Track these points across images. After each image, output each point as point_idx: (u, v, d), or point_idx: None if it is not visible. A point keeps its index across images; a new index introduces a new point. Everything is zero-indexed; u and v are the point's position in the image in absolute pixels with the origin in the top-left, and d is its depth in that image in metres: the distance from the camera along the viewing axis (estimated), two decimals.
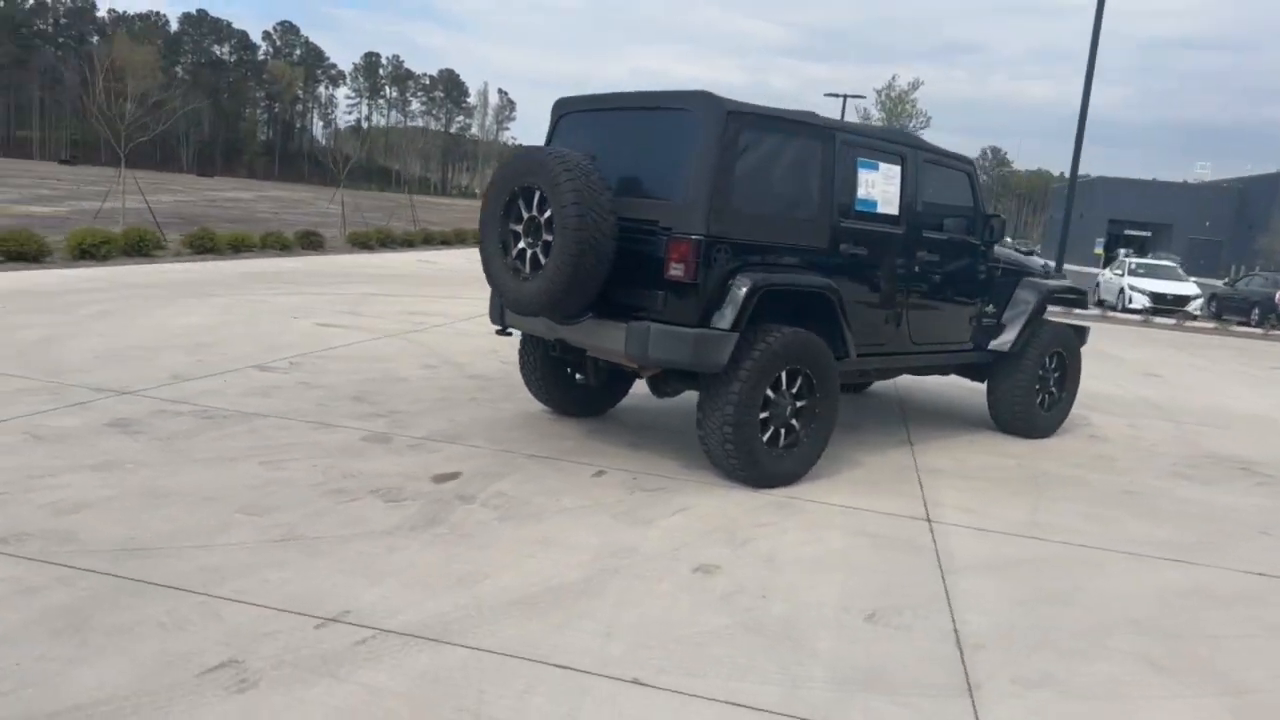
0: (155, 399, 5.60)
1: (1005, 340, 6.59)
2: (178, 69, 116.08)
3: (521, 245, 4.91)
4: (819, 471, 5.33)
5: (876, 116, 19.90)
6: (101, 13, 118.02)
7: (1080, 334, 7.29)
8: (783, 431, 5.02)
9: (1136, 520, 5.05)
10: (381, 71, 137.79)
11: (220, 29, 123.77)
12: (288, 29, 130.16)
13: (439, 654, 2.91)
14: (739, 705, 2.77)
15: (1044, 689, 3.06)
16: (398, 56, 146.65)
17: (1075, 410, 7.93)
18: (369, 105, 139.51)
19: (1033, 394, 6.73)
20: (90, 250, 12.27)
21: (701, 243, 4.60)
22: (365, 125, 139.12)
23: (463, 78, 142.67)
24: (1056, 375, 6.98)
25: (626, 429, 6.04)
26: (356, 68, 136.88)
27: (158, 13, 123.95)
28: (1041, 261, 7.98)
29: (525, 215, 4.86)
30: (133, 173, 18.44)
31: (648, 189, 4.94)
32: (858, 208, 5.37)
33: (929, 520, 4.72)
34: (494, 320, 5.66)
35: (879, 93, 19.73)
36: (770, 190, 4.94)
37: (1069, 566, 4.25)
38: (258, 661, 2.76)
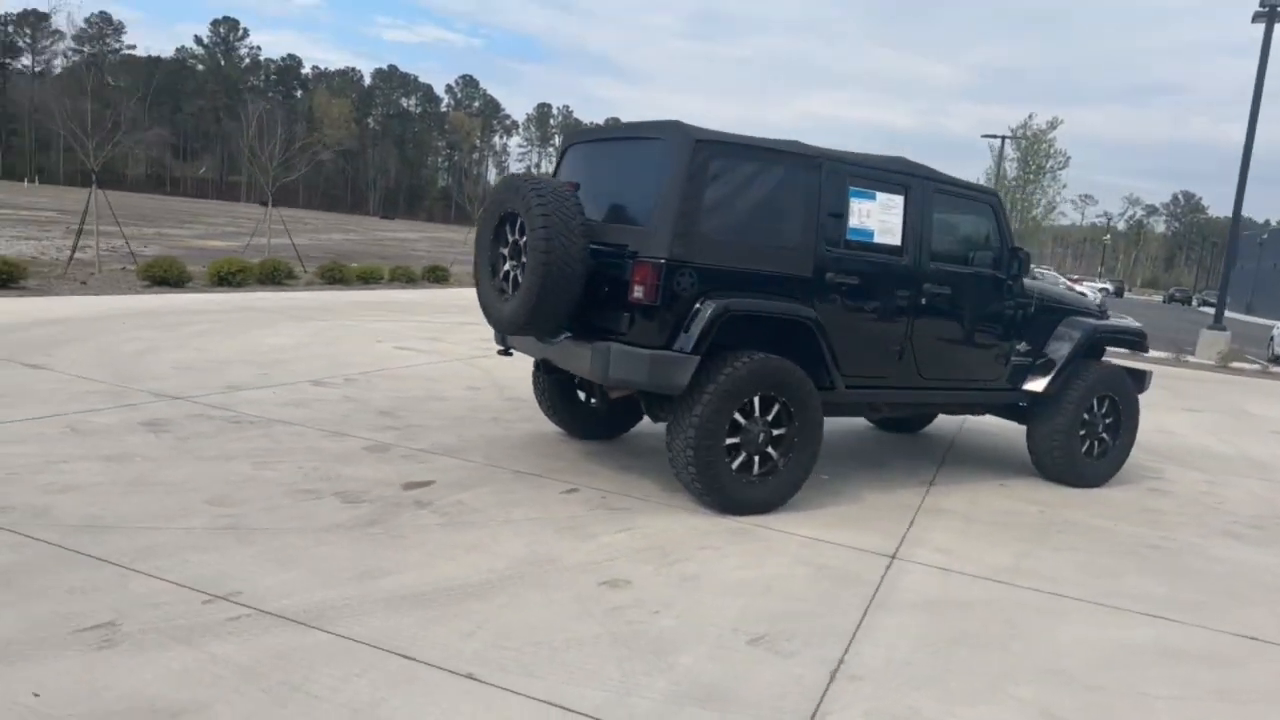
0: (199, 404, 6.15)
1: (1040, 381, 6.26)
2: (369, 120, 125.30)
3: (506, 267, 5.13)
4: (804, 503, 5.24)
5: (1012, 156, 19.16)
6: (306, 69, 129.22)
7: (1139, 379, 6.81)
8: (756, 459, 4.98)
9: (1139, 575, 4.69)
10: (552, 121, 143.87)
11: (408, 83, 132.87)
12: (468, 82, 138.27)
13: (299, 636, 3.10)
14: (555, 706, 2.82)
15: None
16: (567, 106, 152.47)
17: (1151, 462, 7.44)
18: (539, 153, 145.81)
19: (1074, 439, 6.34)
20: (227, 278, 13.50)
21: (663, 266, 4.68)
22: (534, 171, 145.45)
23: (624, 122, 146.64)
24: (1109, 421, 6.54)
25: (628, 453, 6.12)
26: (529, 118, 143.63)
27: (354, 68, 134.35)
28: (1098, 300, 7.46)
29: (510, 239, 5.09)
30: (321, 214, 20.14)
31: (624, 215, 5.07)
32: (851, 237, 5.30)
33: (894, 557, 4.56)
34: (497, 341, 5.89)
35: (1013, 131, 18.94)
36: (746, 217, 4.96)
37: (1022, 613, 4.01)
38: (130, 626, 3.04)
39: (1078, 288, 41.96)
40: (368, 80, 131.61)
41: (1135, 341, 6.87)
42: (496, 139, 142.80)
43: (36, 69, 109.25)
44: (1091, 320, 6.48)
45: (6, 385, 6.12)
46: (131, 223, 33.01)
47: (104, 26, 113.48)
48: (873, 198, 5.38)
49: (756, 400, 4.92)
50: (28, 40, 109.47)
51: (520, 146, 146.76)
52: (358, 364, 8.31)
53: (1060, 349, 6.29)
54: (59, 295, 11.17)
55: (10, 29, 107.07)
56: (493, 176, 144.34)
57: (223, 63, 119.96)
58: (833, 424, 7.62)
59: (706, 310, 4.72)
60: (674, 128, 4.88)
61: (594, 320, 5.05)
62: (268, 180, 17.66)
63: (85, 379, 6.53)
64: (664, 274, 4.68)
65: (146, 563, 3.54)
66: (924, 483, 6.16)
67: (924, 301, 5.60)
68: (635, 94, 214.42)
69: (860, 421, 7.94)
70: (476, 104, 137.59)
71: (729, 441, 4.87)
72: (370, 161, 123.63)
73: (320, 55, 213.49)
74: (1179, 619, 4.10)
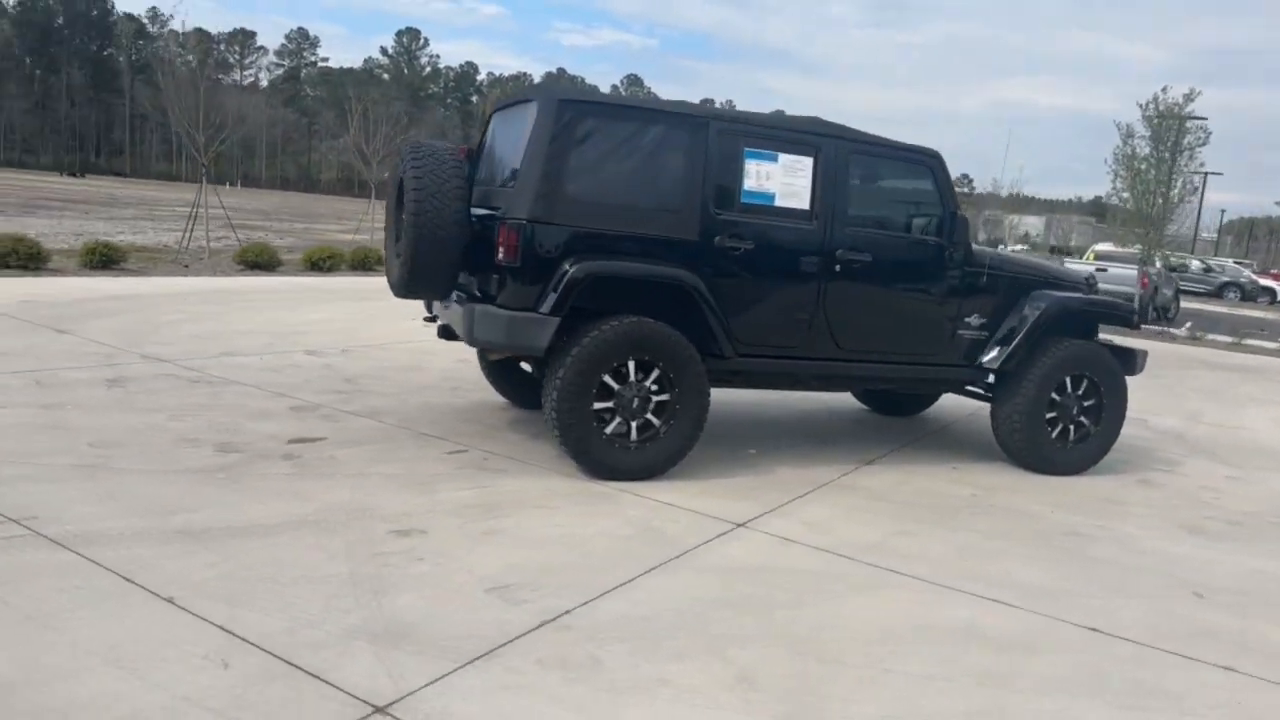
0: (177, 366, 6.65)
1: (994, 356, 5.81)
2: None
3: (398, 232, 5.29)
4: (700, 472, 5.13)
5: (1141, 134, 17.52)
6: (481, 76, 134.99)
7: (1127, 359, 6.19)
8: (634, 424, 4.91)
9: (1022, 562, 4.30)
10: None
11: (577, 85, 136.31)
12: (633, 81, 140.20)
13: (49, 554, 3.35)
14: (222, 629, 2.92)
15: (499, 670, 2.87)
16: (730, 101, 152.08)
17: (1180, 454, 6.85)
18: None
19: (1037, 421, 5.84)
20: (318, 263, 14.40)
21: (524, 227, 4.68)
22: None
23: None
24: (1088, 404, 5.99)
25: None
26: None
27: (525, 73, 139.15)
28: (1088, 272, 6.82)
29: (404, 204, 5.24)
30: None
31: (505, 179, 5.11)
32: (746, 200, 5.11)
33: (741, 526, 4.39)
34: (426, 309, 6.05)
35: (1142, 107, 17.30)
36: (622, 179, 4.87)
37: (829, 585, 3.79)
38: None
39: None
40: (538, 82, 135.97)
41: (1120, 317, 6.26)
42: None
43: (244, 82, 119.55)
44: (1059, 293, 5.95)
45: (20, 345, 6.83)
46: (291, 219, 35.72)
47: (301, 42, 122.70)
48: (774, 159, 5.17)
49: (632, 365, 4.85)
50: (237, 56, 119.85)
51: None
52: (369, 338, 8.71)
53: (1018, 323, 5.81)
54: (152, 276, 12.27)
55: (222, 46, 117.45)
56: None
57: (405, 71, 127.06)
58: (812, 403, 7.39)
59: (567, 272, 4.69)
60: (543, 90, 4.89)
61: (479, 283, 5.14)
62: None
63: (96, 343, 7.19)
64: (524, 235, 4.69)
65: None
66: (861, 461, 5.85)
67: (838, 268, 5.32)
68: (812, 86, 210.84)
69: (844, 403, 7.63)
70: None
71: (600, 406, 4.82)
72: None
73: (500, 62, 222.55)
74: (1021, 605, 3.75)
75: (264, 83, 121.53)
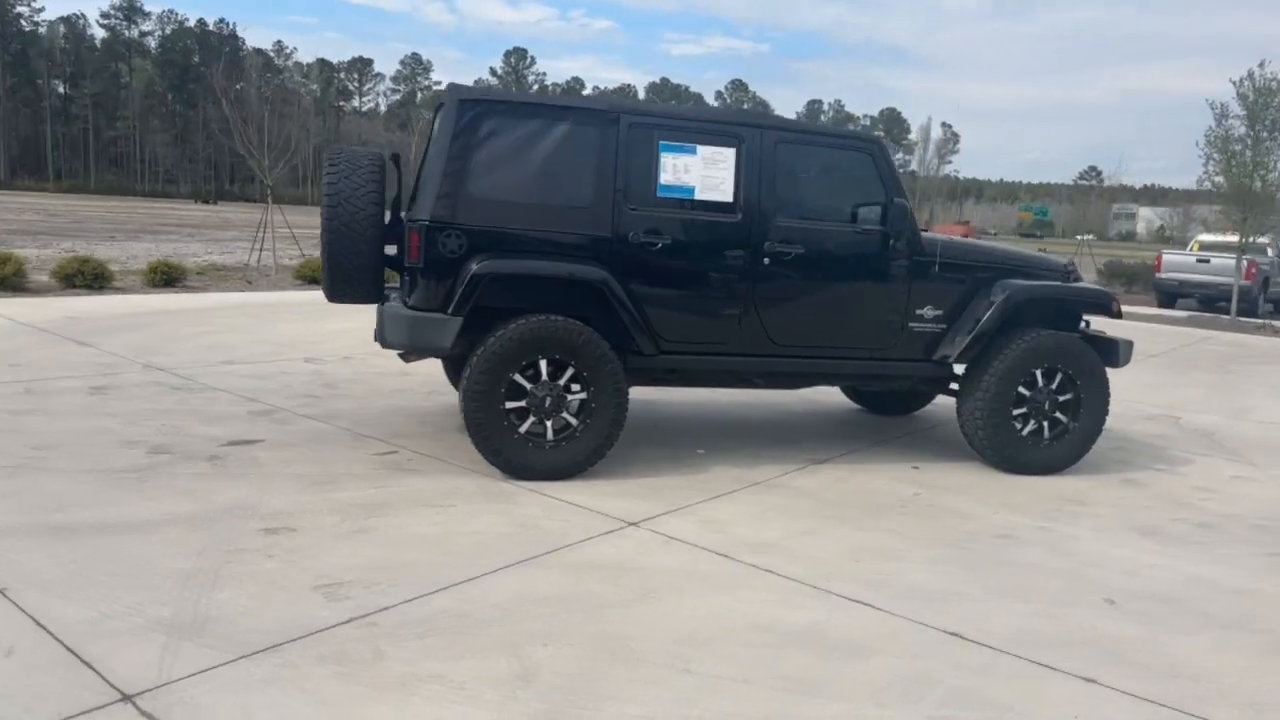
0: (171, 374, 6.96)
1: (949, 349, 5.51)
2: None
3: None
4: (628, 471, 5.10)
5: (1237, 113, 16.23)
6: (587, 90, 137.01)
7: (1106, 350, 5.76)
8: (549, 423, 4.87)
9: (924, 564, 4.06)
10: (823, 116, 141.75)
11: (679, 93, 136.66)
12: (738, 86, 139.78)
13: None
14: (30, 617, 3.03)
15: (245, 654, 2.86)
16: (839, 101, 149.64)
17: (1199, 451, 6.38)
18: None
19: (1002, 417, 5.49)
20: None
21: (425, 229, 4.71)
22: None
23: (904, 114, 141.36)
24: (1064, 399, 5.60)
25: None
26: (799, 115, 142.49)
27: (629, 85, 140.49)
28: (1065, 260, 6.32)
29: None
30: None
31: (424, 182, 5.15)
32: (661, 194, 5.00)
33: (633, 524, 4.29)
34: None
35: (1235, 84, 15.97)
36: (529, 177, 4.84)
37: (684, 584, 3.65)
38: None
39: None
40: (641, 94, 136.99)
41: (1097, 306, 5.83)
42: None
43: (364, 108, 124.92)
44: (1021, 281, 5.59)
45: (34, 357, 7.30)
46: None
47: (415, 67, 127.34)
48: (693, 152, 5.04)
49: (544, 364, 4.81)
50: (356, 83, 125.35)
51: None
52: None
53: (974, 313, 5.50)
54: (212, 292, 12.92)
55: (342, 75, 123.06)
56: None
57: (514, 90, 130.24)
58: (793, 401, 7.17)
59: (468, 271, 4.70)
60: (451, 90, 4.90)
61: (406, 287, 5.20)
62: None
63: (109, 354, 7.61)
64: (426, 236, 4.72)
65: None
66: (813, 460, 5.64)
67: (767, 261, 5.14)
68: (929, 82, 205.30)
69: (831, 401, 7.37)
70: (745, 107, 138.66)
71: (512, 405, 4.80)
72: None
73: (610, 76, 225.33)
74: (887, 609, 3.54)
75: (382, 108, 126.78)
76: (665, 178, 5.00)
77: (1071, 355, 5.56)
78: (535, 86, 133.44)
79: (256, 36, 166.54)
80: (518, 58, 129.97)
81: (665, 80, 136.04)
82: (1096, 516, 4.88)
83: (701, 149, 5.05)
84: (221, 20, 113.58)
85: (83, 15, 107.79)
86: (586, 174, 4.90)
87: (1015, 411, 5.55)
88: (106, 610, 3.13)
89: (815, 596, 3.63)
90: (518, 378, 4.78)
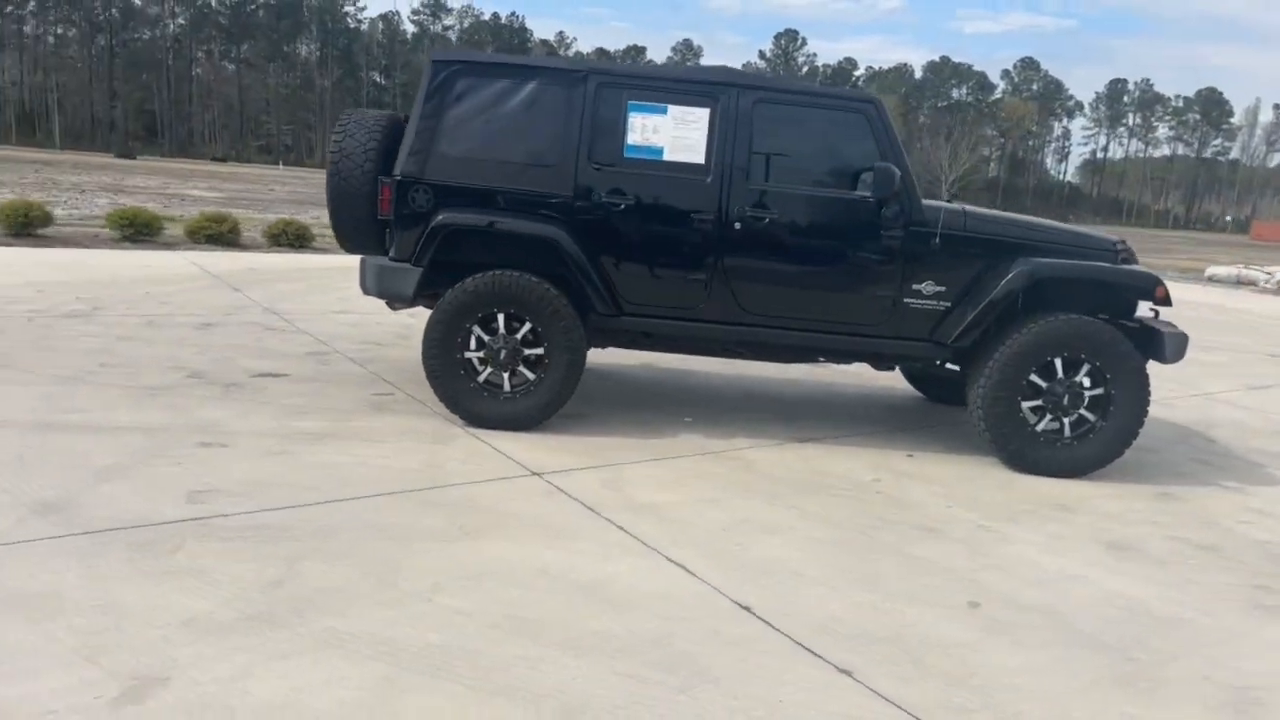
0: (280, 318, 7.83)
1: (949, 330, 5.04)
2: (920, 114, 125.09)
3: None
4: (583, 428, 5.19)
5: None
6: (859, 71, 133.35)
7: (1150, 342, 5.01)
8: (505, 375, 5.04)
9: (802, 544, 3.84)
10: (1126, 98, 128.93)
11: (961, 72, 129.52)
12: (1027, 65, 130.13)
13: None
14: None
15: None
16: (1147, 80, 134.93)
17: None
18: (1106, 135, 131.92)
19: (1012, 409, 4.96)
20: None
21: (396, 184, 5.01)
22: (1100, 156, 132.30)
23: (1226, 95, 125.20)
24: (1092, 393, 4.97)
25: None
26: (1098, 96, 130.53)
27: (905, 64, 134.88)
28: (1115, 239, 5.36)
29: None
30: None
31: None
32: (629, 154, 4.97)
33: (536, 475, 4.37)
34: None
35: None
36: (496, 136, 4.99)
37: (509, 528, 3.71)
38: None
39: None
40: (919, 74, 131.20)
41: (1134, 289, 5.07)
42: (1056, 123, 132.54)
43: None
44: (1042, 260, 4.98)
45: (188, 298, 8.45)
46: None
47: (686, 52, 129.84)
48: (663, 112, 4.98)
49: (502, 318, 4.99)
50: None
51: (1085, 129, 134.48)
52: None
53: (980, 292, 5.00)
54: None
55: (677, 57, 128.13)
56: (1050, 164, 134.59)
57: (781, 73, 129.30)
58: (851, 382, 6.84)
59: (429, 225, 4.95)
60: (433, 52, 5.17)
61: None
62: None
63: (248, 299, 8.67)
64: (396, 191, 5.02)
65: None
66: (791, 439, 5.38)
67: (738, 227, 4.98)
68: (1261, 58, 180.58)
69: (884, 385, 6.93)
70: (1035, 87, 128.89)
71: (470, 356, 5.02)
72: (917, 156, 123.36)
73: (889, 56, 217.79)
74: (702, 576, 3.41)
75: None
76: (633, 138, 4.98)
77: (1097, 344, 4.91)
78: (805, 69, 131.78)
79: (543, 28, 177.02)
80: (788, 40, 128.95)
81: (945, 59, 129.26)
82: (1068, 525, 4.33)
83: (673, 109, 4.98)
84: (513, 13, 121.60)
85: (396, 12, 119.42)
86: (553, 133, 4.98)
87: (1027, 404, 5.00)
88: (5, 487, 3.70)
89: (642, 555, 3.57)
90: (477, 329, 4.99)
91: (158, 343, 6.54)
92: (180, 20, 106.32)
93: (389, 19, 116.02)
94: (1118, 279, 5.09)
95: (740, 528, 3.94)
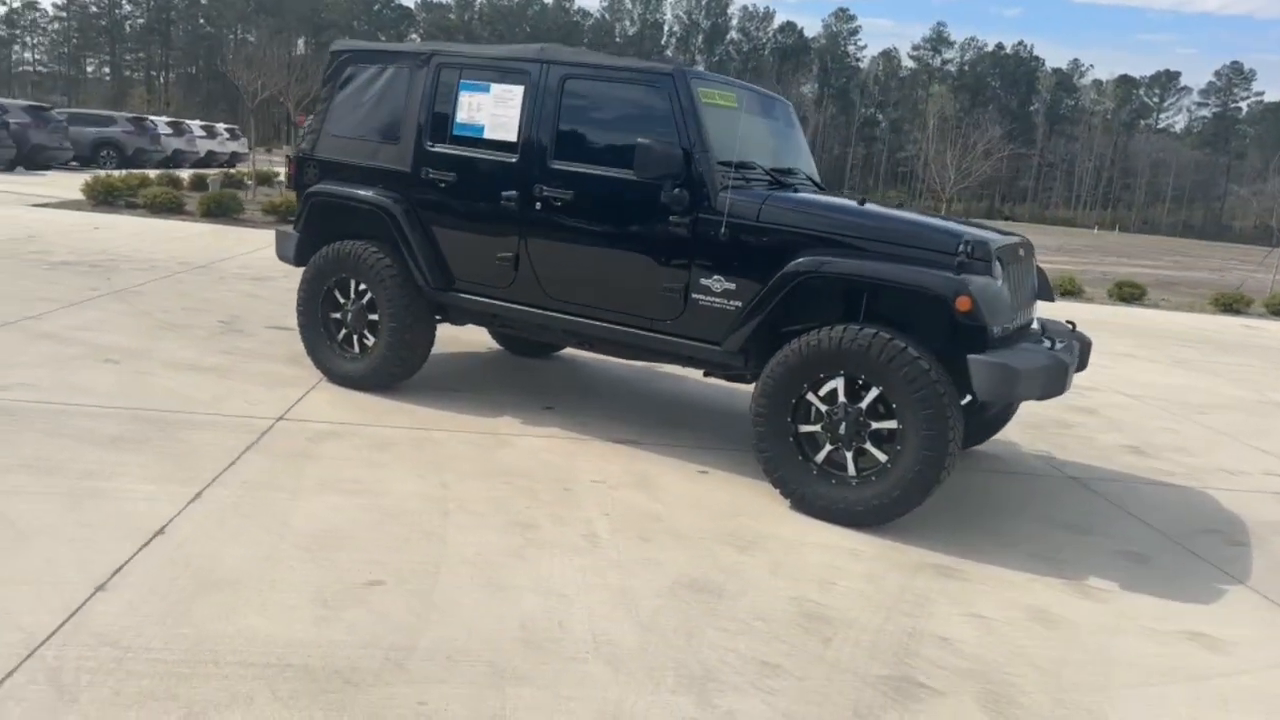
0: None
1: (719, 332, 4.35)
2: None
3: None
4: (417, 391, 5.46)
5: None
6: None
7: (971, 369, 3.80)
8: (355, 338, 5.47)
9: (322, 507, 3.79)
10: None
11: None
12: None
13: None
14: None
15: None
16: None
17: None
18: None
19: (780, 435, 4.15)
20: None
21: (296, 160, 5.71)
22: None
23: None
24: (881, 425, 3.98)
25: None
26: None
27: None
28: (965, 241, 3.70)
29: None
30: None
31: None
32: (456, 132, 5.07)
33: (285, 420, 4.76)
34: None
35: None
36: (365, 116, 5.40)
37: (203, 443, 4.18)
38: None
39: None
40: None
41: (927, 298, 3.84)
42: None
43: (1162, 125, 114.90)
44: (811, 257, 4.06)
45: None
46: (1110, 255, 34.15)
47: (1233, 77, 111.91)
48: (487, 90, 5.02)
49: (353, 285, 5.42)
50: (1156, 99, 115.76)
51: None
52: None
53: (750, 291, 4.26)
54: None
55: (1142, 91, 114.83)
56: None
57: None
58: None
59: (304, 195, 5.57)
60: (333, 43, 5.75)
61: None
62: None
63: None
64: (295, 167, 5.73)
65: None
66: (604, 439, 5.01)
67: (539, 207, 4.83)
68: None
69: None
70: None
71: (332, 316, 5.53)
72: None
73: None
74: (185, 508, 3.62)
75: (1179, 125, 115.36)
76: (460, 116, 5.11)
77: (874, 364, 3.92)
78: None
79: (1056, 55, 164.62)
80: None
81: None
82: (807, 568, 3.58)
83: (495, 87, 5.02)
84: (1019, 42, 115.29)
85: (895, 50, 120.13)
86: (400, 112, 5.30)
87: (802, 428, 4.16)
88: None
89: (182, 484, 3.80)
90: (336, 294, 5.49)
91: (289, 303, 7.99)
92: (700, 68, 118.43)
93: (889, 55, 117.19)
94: (902, 281, 3.97)
95: (338, 485, 3.96)
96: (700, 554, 3.64)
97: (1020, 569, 3.83)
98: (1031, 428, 6.28)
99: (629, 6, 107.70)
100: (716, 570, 3.51)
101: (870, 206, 4.53)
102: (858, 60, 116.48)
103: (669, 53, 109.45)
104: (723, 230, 4.37)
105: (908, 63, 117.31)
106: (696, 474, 4.62)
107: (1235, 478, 5.62)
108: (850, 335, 3.97)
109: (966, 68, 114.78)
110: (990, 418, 5.30)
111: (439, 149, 5.16)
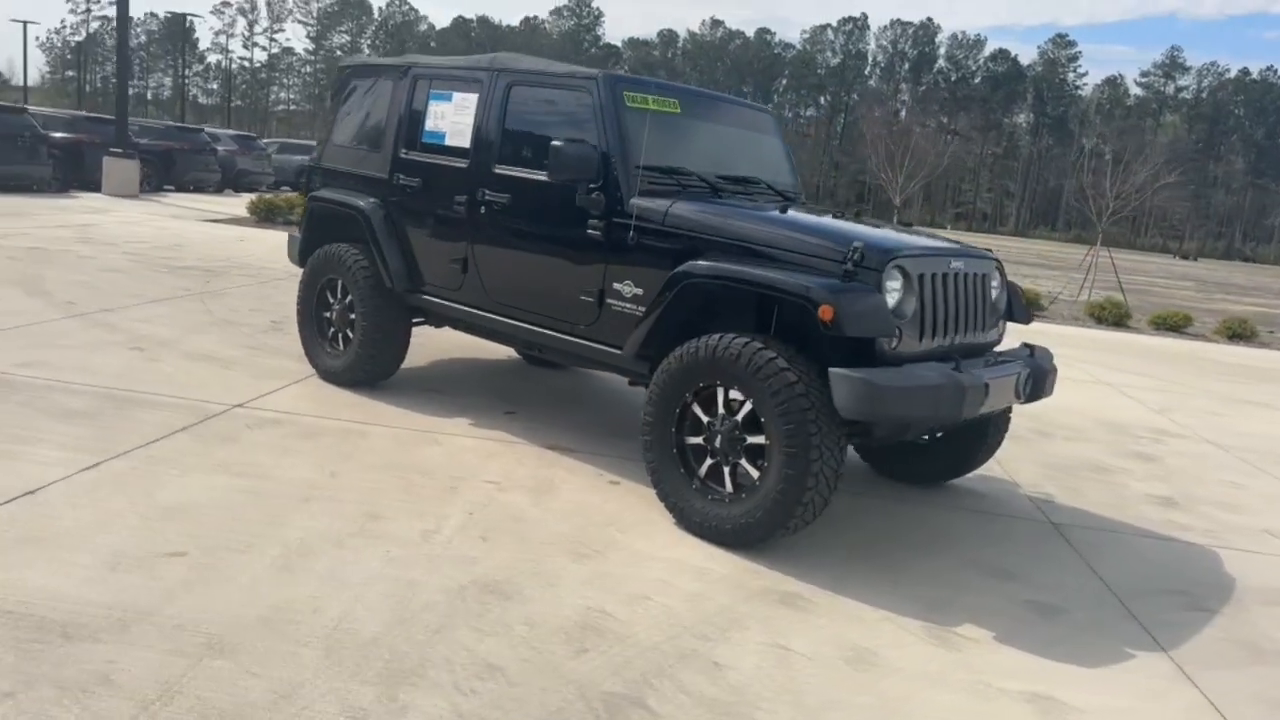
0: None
1: (622, 337, 4.22)
2: None
3: None
4: (420, 403, 5.57)
5: None
6: None
7: (840, 382, 3.48)
8: (340, 335, 5.74)
9: (225, 492, 3.98)
10: None
11: None
12: None
13: None
14: None
15: None
16: None
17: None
18: None
19: (664, 450, 3.99)
20: (1162, 323, 14.53)
21: (306, 169, 6.08)
22: None
23: None
24: (751, 440, 3.74)
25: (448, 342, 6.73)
26: None
27: None
28: (854, 249, 3.17)
29: None
30: None
31: None
32: (424, 139, 5.24)
33: (237, 406, 5.07)
34: None
35: None
36: (356, 126, 5.71)
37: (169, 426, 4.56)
38: None
39: None
40: None
41: (796, 305, 3.52)
42: None
43: None
44: (715, 263, 3.86)
45: None
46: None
47: None
48: (449, 99, 5.17)
49: (339, 285, 5.71)
50: None
51: None
52: None
53: (646, 297, 4.11)
54: None
55: None
56: None
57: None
58: None
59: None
60: (341, 60, 6.07)
61: None
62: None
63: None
64: (306, 174, 6.11)
65: None
66: (536, 444, 4.96)
67: (483, 211, 4.92)
68: None
69: None
70: None
71: (325, 314, 5.83)
72: None
73: None
74: (89, 487, 3.93)
75: None
76: (429, 124, 5.29)
77: (744, 375, 3.69)
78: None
79: None
80: None
81: None
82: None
83: (456, 96, 5.17)
84: (1269, 67, 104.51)
85: (1121, 76, 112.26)
86: (381, 122, 5.56)
87: (688, 440, 3.98)
88: None
89: (91, 455, 4.12)
90: (328, 294, 5.80)
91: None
92: (904, 98, 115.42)
93: (1114, 82, 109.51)
94: (770, 285, 3.70)
95: (233, 467, 4.16)
96: (527, 558, 3.54)
97: (884, 607, 3.46)
98: (1057, 469, 5.69)
99: (830, 38, 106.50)
100: (529, 575, 3.40)
101: (790, 214, 4.30)
102: (1077, 88, 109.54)
103: (871, 84, 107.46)
104: (630, 234, 4.27)
105: (1135, 90, 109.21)
106: (607, 484, 4.50)
107: (1273, 541, 4.82)
108: (725, 344, 3.77)
109: (1204, 94, 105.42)
110: (965, 448, 4.84)
111: (410, 156, 5.36)
